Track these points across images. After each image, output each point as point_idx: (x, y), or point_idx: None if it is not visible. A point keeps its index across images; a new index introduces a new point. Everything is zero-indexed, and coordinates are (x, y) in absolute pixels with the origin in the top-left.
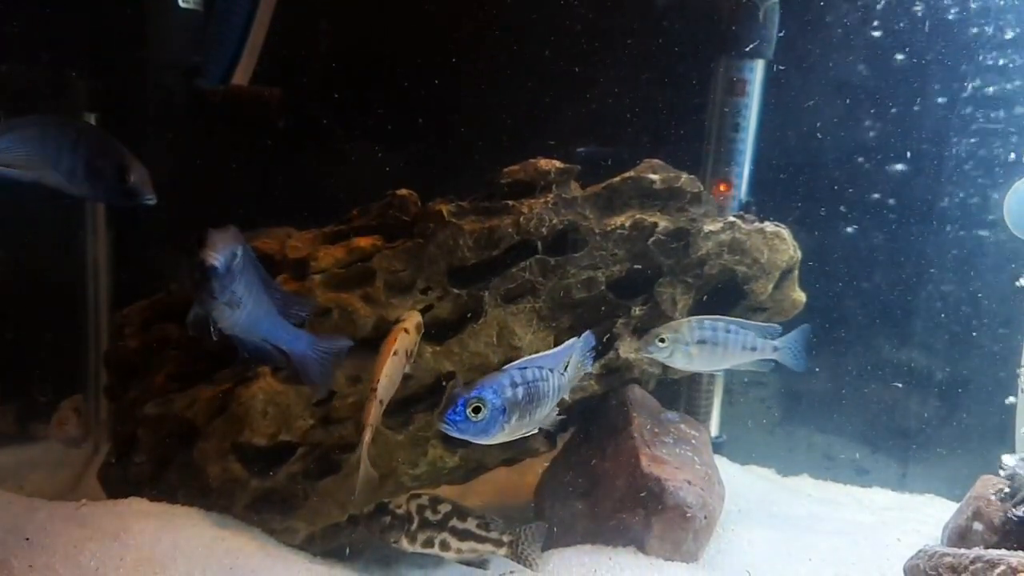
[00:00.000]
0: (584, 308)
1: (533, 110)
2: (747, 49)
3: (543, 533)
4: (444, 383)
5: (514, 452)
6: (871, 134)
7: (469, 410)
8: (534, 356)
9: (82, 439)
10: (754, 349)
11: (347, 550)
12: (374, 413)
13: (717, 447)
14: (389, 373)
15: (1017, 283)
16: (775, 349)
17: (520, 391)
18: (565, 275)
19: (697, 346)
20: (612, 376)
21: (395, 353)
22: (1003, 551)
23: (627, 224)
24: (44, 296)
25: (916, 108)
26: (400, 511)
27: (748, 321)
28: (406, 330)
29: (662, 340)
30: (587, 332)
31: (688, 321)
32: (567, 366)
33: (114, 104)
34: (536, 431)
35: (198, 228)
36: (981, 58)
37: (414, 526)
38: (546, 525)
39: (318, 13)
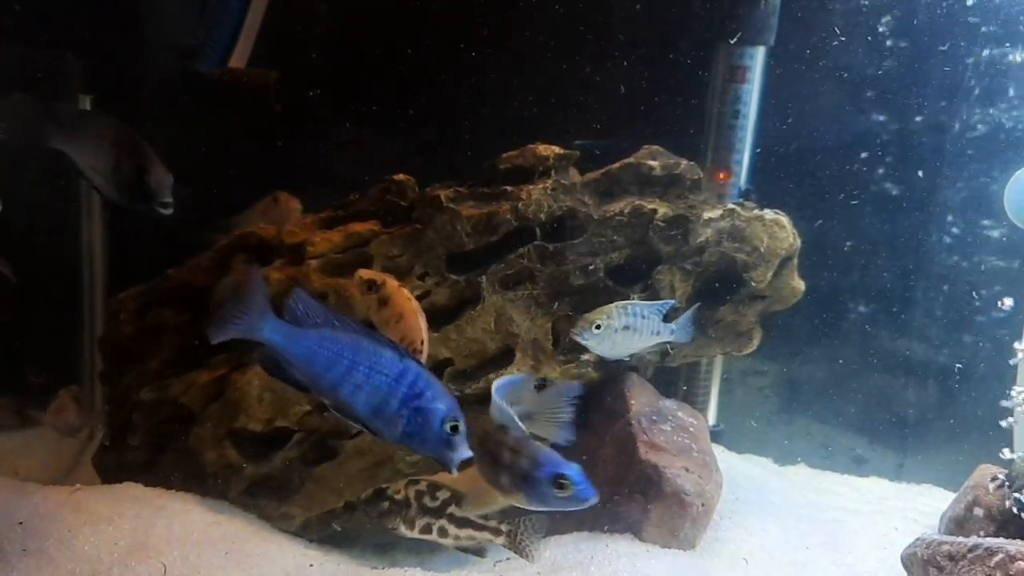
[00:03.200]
0: (582, 295)
1: (532, 96)
2: (747, 35)
3: (544, 525)
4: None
5: None
6: (872, 121)
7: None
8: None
9: (79, 428)
10: (658, 334)
11: (341, 532)
12: None
13: (715, 436)
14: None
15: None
16: (671, 332)
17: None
18: (563, 261)
19: (621, 332)
20: (610, 363)
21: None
22: (1001, 539)
23: (626, 210)
24: (39, 281)
25: (917, 95)
26: (398, 497)
27: (646, 302)
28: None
29: (598, 327)
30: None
31: (616, 307)
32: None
33: (110, 86)
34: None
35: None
36: (984, 48)
37: (412, 512)
38: (547, 517)
39: None
